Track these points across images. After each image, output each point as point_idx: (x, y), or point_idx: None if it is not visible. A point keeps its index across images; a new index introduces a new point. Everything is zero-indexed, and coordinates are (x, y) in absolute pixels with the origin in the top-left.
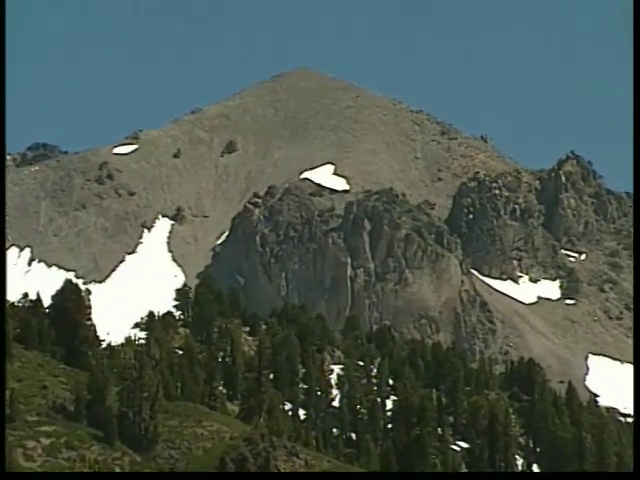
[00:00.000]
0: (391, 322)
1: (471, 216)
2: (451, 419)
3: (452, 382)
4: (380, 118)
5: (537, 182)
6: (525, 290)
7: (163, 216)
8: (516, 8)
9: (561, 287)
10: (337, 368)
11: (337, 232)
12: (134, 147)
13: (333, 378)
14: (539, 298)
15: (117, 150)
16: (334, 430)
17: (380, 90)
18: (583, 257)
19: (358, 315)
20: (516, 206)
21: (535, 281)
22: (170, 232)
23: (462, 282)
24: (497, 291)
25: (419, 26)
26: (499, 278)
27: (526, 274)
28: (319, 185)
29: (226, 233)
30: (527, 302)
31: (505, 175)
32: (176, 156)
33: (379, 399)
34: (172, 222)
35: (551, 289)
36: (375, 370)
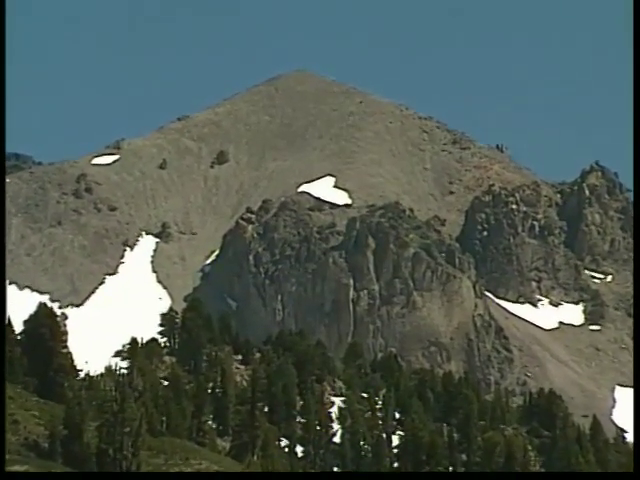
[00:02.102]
0: (397, 349)
1: (485, 233)
2: (464, 457)
3: (465, 416)
4: (385, 126)
5: (558, 196)
6: (545, 315)
7: (147, 233)
8: (536, 9)
9: (585, 311)
10: (338, 400)
11: (338, 251)
12: (115, 157)
13: (334, 411)
14: (560, 324)
15: (96, 161)
16: (335, 469)
17: (385, 95)
18: (609, 278)
19: (361, 342)
20: (535, 222)
21: (556, 305)
22: (155, 251)
23: (476, 306)
24: (514, 316)
25: (428, 25)
26: (516, 301)
27: (546, 297)
28: (318, 199)
29: (216, 252)
30: (547, 328)
31: (523, 188)
32: (161, 167)
33: (384, 434)
34: (157, 240)
35: (574, 314)
36: (380, 402)
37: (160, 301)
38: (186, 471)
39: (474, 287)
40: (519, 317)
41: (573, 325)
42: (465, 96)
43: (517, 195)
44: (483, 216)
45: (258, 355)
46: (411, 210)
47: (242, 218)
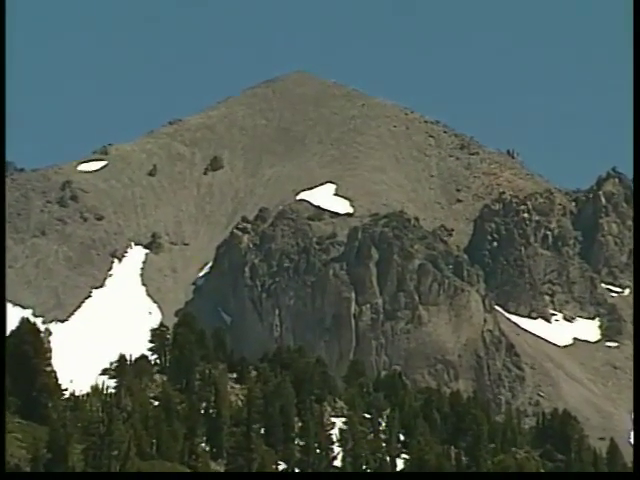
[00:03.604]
0: (402, 367)
1: (495, 244)
2: None
3: (474, 438)
4: (389, 130)
5: (573, 204)
6: (559, 330)
7: (136, 244)
8: (549, 10)
9: (601, 327)
10: (339, 421)
11: (339, 262)
12: (102, 164)
13: (334, 433)
14: (575, 340)
15: (82, 167)
16: None
17: (389, 97)
18: (626, 292)
19: (364, 359)
20: (548, 232)
21: (570, 320)
22: (144, 262)
23: (485, 321)
24: (526, 331)
25: (434, 25)
26: (528, 316)
27: (560, 312)
28: (318, 208)
29: (209, 264)
30: (561, 344)
31: (535, 196)
32: (151, 174)
33: (388, 458)
34: (147, 251)
35: (589, 329)
36: (384, 424)
37: (150, 316)
38: None
39: (483, 301)
40: (531, 333)
41: (589, 341)
42: (473, 99)
43: (529, 203)
44: (493, 226)
45: (254, 373)
46: (416, 219)
47: (237, 228)
